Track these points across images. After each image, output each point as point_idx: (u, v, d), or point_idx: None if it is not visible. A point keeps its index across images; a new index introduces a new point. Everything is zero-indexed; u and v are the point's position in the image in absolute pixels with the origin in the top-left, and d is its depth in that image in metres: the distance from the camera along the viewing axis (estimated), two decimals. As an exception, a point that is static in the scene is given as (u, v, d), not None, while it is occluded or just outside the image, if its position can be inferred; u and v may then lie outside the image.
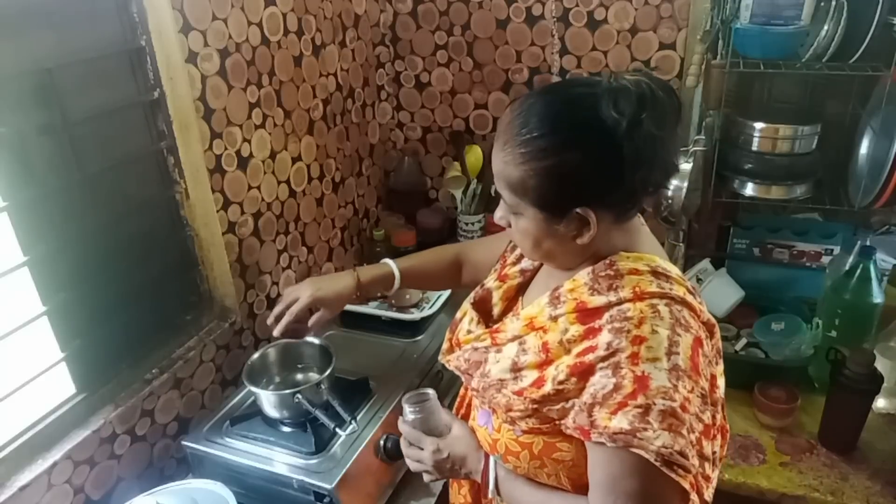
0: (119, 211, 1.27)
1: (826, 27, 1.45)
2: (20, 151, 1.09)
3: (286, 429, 1.26)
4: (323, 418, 1.20)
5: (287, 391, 1.22)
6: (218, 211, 1.41)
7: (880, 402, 1.53)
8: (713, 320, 0.88)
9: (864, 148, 1.64)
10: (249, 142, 1.48)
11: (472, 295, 1.07)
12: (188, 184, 1.38)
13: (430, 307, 1.60)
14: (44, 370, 1.15)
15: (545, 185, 0.80)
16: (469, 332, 0.99)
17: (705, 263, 1.77)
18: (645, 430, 0.74)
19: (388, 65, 2.03)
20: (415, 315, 1.57)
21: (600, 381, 0.78)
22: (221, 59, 1.37)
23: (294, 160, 1.64)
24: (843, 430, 1.46)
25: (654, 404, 0.75)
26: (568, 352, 0.82)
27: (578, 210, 0.81)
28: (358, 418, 1.25)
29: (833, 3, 1.43)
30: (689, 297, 0.84)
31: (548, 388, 0.82)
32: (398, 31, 1.98)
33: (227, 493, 1.12)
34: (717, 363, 0.91)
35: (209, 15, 1.32)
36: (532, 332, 0.88)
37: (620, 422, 0.76)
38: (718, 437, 0.90)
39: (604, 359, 0.78)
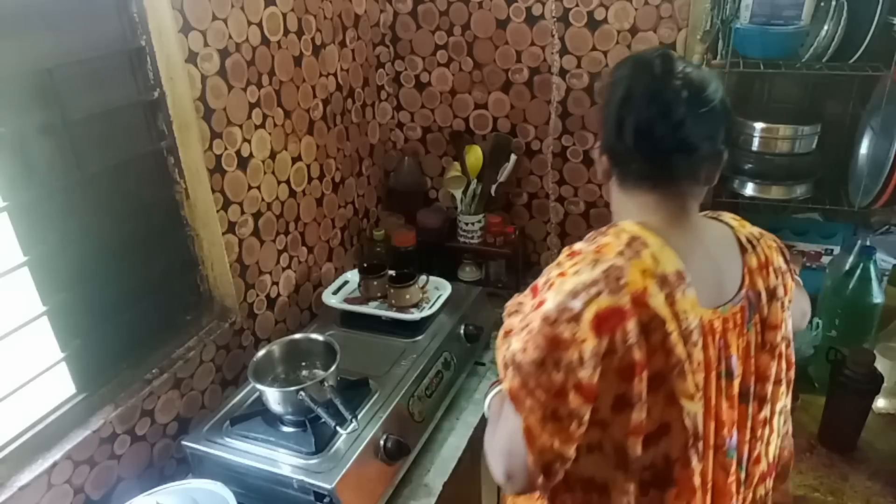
0: (119, 211, 1.27)
1: (826, 27, 1.45)
2: (20, 151, 1.09)
3: (286, 429, 1.26)
4: (325, 416, 1.21)
5: (291, 388, 1.22)
6: (218, 211, 1.41)
7: (880, 402, 1.53)
8: (662, 317, 0.81)
9: (864, 148, 1.64)
10: (249, 142, 1.48)
11: None
12: (188, 184, 1.38)
13: (430, 307, 1.60)
14: (44, 370, 1.15)
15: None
16: None
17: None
18: (514, 337, 0.85)
19: (388, 65, 2.03)
20: (415, 315, 1.57)
21: (534, 301, 0.88)
22: (221, 59, 1.37)
23: (294, 160, 1.65)
24: (843, 430, 1.46)
25: (531, 322, 0.83)
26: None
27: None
28: (358, 418, 1.26)
29: (833, 3, 1.43)
30: (640, 278, 0.81)
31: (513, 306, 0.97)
32: (398, 31, 1.98)
33: (227, 493, 1.13)
34: (670, 367, 0.83)
35: (209, 15, 1.32)
36: None
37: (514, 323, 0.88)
38: (636, 423, 0.84)
39: (544, 284, 0.88)
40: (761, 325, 0.93)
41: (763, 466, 0.99)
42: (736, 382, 0.91)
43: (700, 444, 0.87)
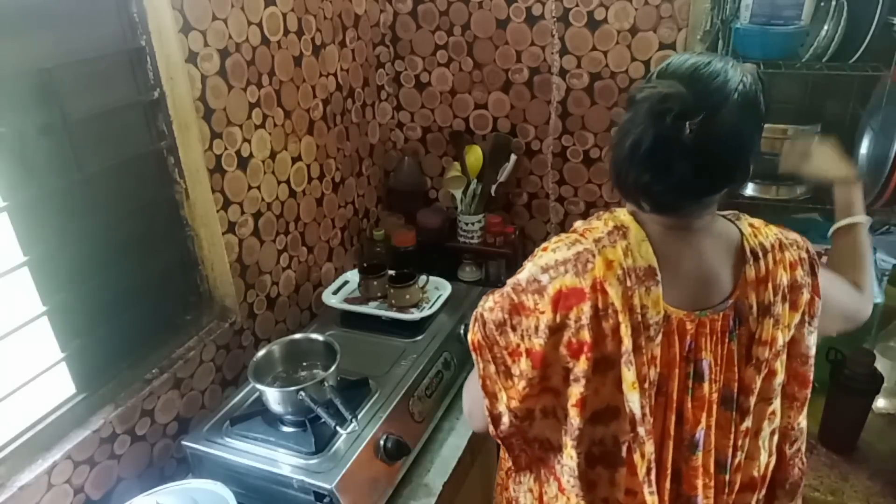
0: (119, 211, 1.27)
1: (826, 27, 1.45)
2: (20, 151, 1.09)
3: (286, 429, 1.26)
4: (325, 416, 1.21)
5: (291, 388, 1.22)
6: (218, 211, 1.41)
7: (880, 402, 1.53)
8: (617, 307, 0.84)
9: (864, 148, 1.64)
10: (249, 142, 1.48)
11: None
12: (188, 184, 1.38)
13: (430, 307, 1.60)
14: (44, 370, 1.15)
15: None
16: None
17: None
18: (490, 295, 0.93)
19: (388, 65, 2.03)
20: (415, 315, 1.57)
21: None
22: (221, 59, 1.37)
23: (294, 160, 1.65)
24: (843, 430, 1.46)
25: (506, 286, 0.91)
26: None
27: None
28: (358, 418, 1.26)
29: (833, 3, 1.43)
30: (604, 267, 0.85)
31: None
32: (398, 31, 1.98)
33: (227, 493, 1.13)
34: (620, 354, 0.85)
35: (209, 15, 1.32)
36: None
37: None
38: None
39: (532, 254, 0.94)
40: (748, 339, 0.92)
41: (745, 478, 0.99)
42: (707, 386, 0.91)
43: (640, 431, 0.89)
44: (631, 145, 0.82)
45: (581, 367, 0.86)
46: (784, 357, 0.95)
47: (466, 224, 2.00)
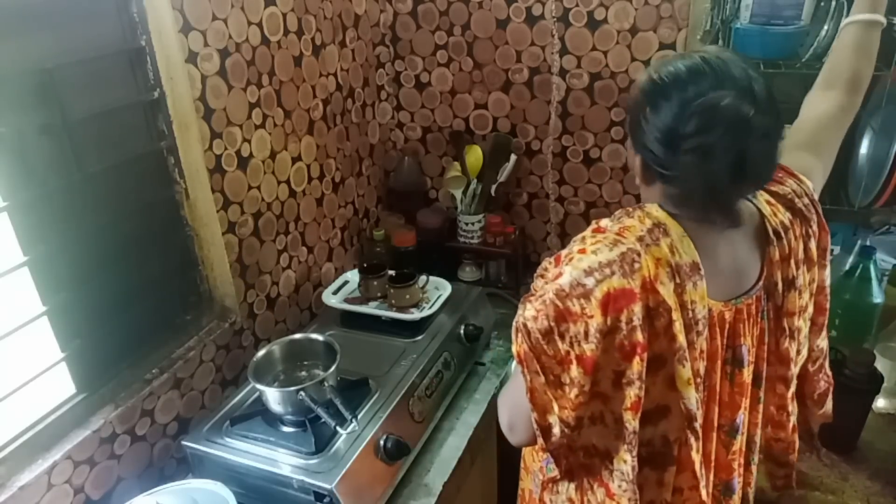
0: (119, 211, 1.27)
1: (826, 27, 1.45)
2: (20, 151, 1.09)
3: (286, 428, 1.26)
4: (325, 416, 1.21)
5: (291, 388, 1.22)
6: (218, 211, 1.41)
7: (880, 402, 1.53)
8: (669, 305, 0.84)
9: (864, 148, 1.64)
10: (249, 142, 1.48)
11: None
12: (188, 184, 1.38)
13: (430, 307, 1.60)
14: (44, 370, 1.15)
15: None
16: None
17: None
18: (529, 303, 0.88)
19: (388, 65, 2.03)
20: (415, 315, 1.57)
21: (554, 271, 0.91)
22: (221, 59, 1.37)
23: (294, 160, 1.65)
24: (843, 430, 1.46)
25: (547, 293, 0.86)
26: None
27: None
28: (358, 418, 1.26)
29: (833, 3, 1.43)
30: (653, 265, 0.83)
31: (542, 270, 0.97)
32: (398, 31, 1.98)
33: (227, 493, 1.13)
34: (672, 352, 0.86)
35: (209, 15, 1.32)
36: None
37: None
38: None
39: (566, 256, 0.90)
40: (776, 313, 0.95)
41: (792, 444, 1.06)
42: (746, 371, 0.94)
43: (696, 426, 0.90)
44: (732, 168, 0.81)
45: (635, 368, 0.85)
46: (807, 314, 0.99)
47: (466, 224, 2.00)
